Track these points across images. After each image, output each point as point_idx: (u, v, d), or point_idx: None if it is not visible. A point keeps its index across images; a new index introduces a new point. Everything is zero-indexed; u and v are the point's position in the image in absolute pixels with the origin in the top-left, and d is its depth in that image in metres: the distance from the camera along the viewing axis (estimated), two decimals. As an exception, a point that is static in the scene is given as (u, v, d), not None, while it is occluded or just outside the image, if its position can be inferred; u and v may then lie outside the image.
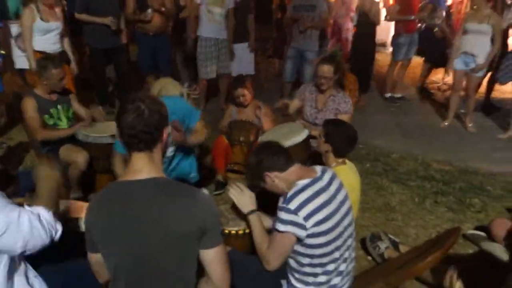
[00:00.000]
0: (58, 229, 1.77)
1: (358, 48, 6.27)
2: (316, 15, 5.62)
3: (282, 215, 1.95)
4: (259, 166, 2.12)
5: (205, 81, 5.87)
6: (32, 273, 1.82)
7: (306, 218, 1.91)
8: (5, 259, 1.64)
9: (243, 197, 2.28)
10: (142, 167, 1.59)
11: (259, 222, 2.19)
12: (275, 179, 2.09)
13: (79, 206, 2.46)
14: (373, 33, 6.21)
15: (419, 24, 6.75)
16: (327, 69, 3.48)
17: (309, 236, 1.94)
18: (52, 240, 1.73)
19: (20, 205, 1.70)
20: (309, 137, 3.38)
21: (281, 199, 2.01)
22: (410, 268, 2.42)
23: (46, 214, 1.72)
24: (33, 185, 1.83)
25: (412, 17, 6.23)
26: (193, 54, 6.11)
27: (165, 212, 1.53)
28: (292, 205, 1.92)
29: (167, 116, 1.67)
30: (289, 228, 1.93)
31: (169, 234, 1.53)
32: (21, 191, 2.54)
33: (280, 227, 1.95)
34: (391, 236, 3.00)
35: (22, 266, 1.78)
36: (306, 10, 5.64)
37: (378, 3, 6.27)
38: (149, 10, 5.26)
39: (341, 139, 2.62)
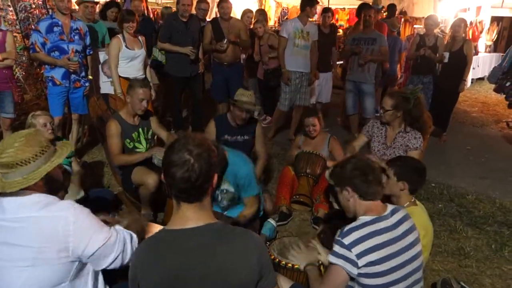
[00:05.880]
0: None
1: (444, 86, 5.92)
2: (376, 48, 5.60)
3: (336, 248, 1.93)
4: (348, 178, 2.04)
5: (282, 112, 5.90)
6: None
7: (359, 256, 1.87)
8: (91, 270, 1.79)
9: (300, 255, 2.44)
10: (192, 215, 1.54)
11: (316, 272, 2.26)
12: (351, 199, 2.05)
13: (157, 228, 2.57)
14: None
15: None
16: (385, 101, 3.37)
17: (362, 275, 1.89)
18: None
19: (106, 223, 1.87)
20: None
21: (338, 232, 1.98)
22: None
23: (135, 238, 1.92)
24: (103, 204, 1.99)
25: None
26: (265, 83, 6.30)
27: (224, 261, 1.48)
28: (347, 240, 1.89)
29: (216, 162, 1.59)
30: (340, 262, 1.90)
31: (229, 284, 1.49)
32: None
33: (332, 258, 1.93)
34: (464, 284, 2.82)
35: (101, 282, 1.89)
36: (366, 43, 5.63)
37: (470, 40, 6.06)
38: (225, 40, 5.48)
39: (413, 173, 2.50)
